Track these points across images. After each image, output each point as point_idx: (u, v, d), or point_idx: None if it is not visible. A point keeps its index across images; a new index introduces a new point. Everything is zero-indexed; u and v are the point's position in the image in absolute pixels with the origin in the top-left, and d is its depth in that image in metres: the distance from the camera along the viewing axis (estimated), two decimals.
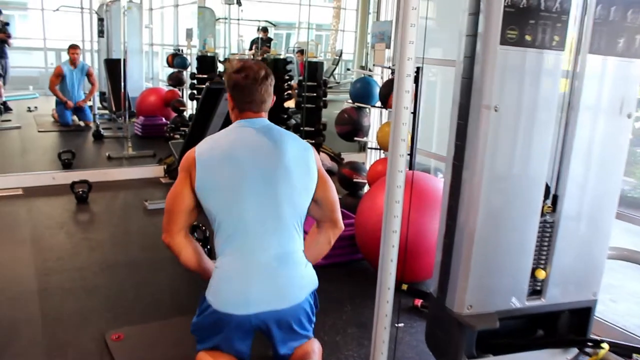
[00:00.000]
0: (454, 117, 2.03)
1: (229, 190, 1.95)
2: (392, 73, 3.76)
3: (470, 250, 2.02)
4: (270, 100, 2.09)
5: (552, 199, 2.10)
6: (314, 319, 2.06)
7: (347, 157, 6.00)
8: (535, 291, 2.14)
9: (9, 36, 8.61)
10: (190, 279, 2.89)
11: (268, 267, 1.94)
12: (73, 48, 7.38)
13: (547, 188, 2.07)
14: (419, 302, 3.03)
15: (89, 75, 7.57)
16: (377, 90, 3.86)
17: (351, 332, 2.74)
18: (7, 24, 8.79)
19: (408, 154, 3.73)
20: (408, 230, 2.15)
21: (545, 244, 2.11)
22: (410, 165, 3.71)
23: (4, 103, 8.24)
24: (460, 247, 2.06)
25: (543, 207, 2.05)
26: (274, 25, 10.93)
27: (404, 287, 3.21)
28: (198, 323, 1.97)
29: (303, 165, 2.03)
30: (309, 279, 2.02)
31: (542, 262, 2.12)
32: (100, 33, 8.76)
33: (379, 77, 4.20)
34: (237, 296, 1.92)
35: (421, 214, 3.06)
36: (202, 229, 3.20)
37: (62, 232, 3.87)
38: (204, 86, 3.83)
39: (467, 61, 1.89)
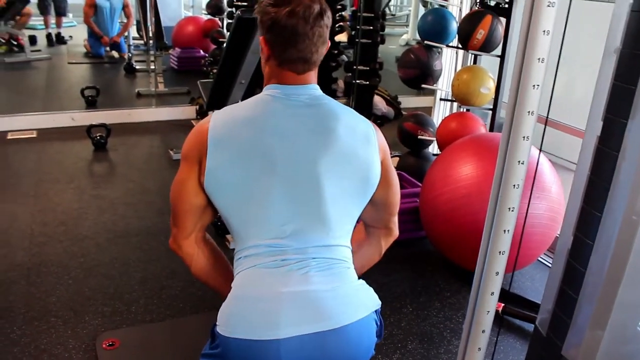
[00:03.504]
0: (605, 74, 1.26)
1: (250, 191, 1.30)
2: (478, 3, 2.91)
3: (618, 283, 1.30)
4: (325, 49, 1.36)
5: None
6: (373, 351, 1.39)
7: (406, 101, 5.20)
8: None
9: None
10: None
11: (303, 281, 1.28)
12: None
13: None
14: (500, 306, 2.34)
15: (124, 6, 6.97)
16: (453, 26, 3.03)
17: (412, 348, 2.09)
18: None
19: (490, 109, 2.94)
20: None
21: None
22: (492, 126, 2.93)
23: (58, 34, 7.85)
24: (598, 275, 1.34)
25: None
26: None
27: None
28: None
29: (362, 156, 1.35)
30: (366, 295, 1.35)
31: None
32: None
33: (457, 8, 3.33)
34: (262, 318, 1.27)
35: None
36: None
37: (70, 187, 3.31)
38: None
39: None
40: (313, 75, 1.38)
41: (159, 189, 3.37)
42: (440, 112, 3.40)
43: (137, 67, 6.20)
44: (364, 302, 1.32)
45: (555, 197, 2.39)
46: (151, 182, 3.47)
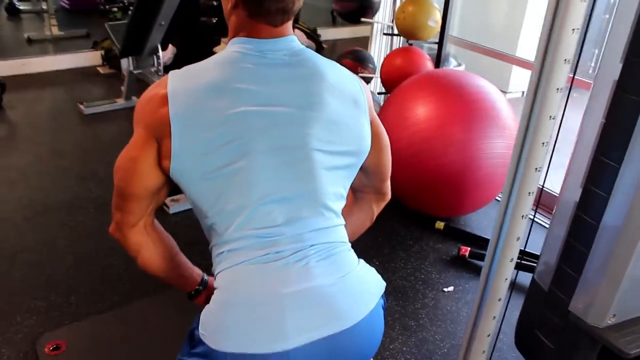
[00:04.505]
0: (624, 16, 1.12)
1: (229, 174, 1.06)
2: None
3: (637, 236, 1.22)
4: None
5: None
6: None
7: (324, 33, 4.95)
8: None
9: None
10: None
11: (304, 276, 1.08)
12: None
13: None
14: (466, 250, 2.28)
15: None
16: None
17: (388, 307, 1.99)
18: None
19: (436, 43, 2.79)
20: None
21: None
22: (438, 61, 2.78)
23: None
24: (614, 229, 1.25)
25: None
26: None
27: (440, 225, 2.45)
28: None
29: (352, 123, 1.15)
30: (371, 279, 1.18)
31: None
32: None
33: None
34: (263, 326, 1.06)
35: (467, 132, 2.21)
36: None
37: None
38: None
39: None
40: (290, 24, 1.13)
41: (74, 150, 2.97)
42: (377, 47, 3.20)
43: (21, 7, 5.43)
44: (371, 289, 1.15)
45: (512, 133, 2.31)
46: (64, 144, 3.05)
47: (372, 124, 1.19)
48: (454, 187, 2.27)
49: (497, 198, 2.64)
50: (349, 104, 1.14)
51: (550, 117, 1.02)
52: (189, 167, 1.05)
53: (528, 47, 4.21)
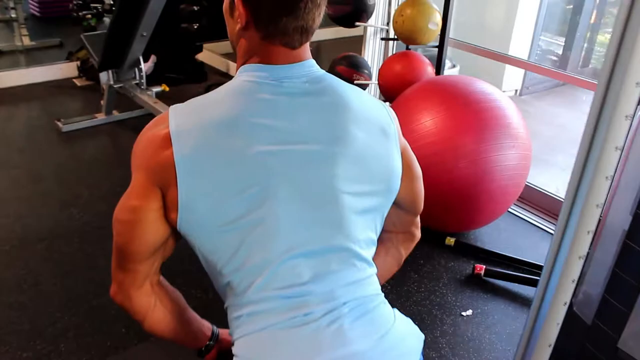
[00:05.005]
0: None
1: (247, 226, 0.92)
2: None
3: None
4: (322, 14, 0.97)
5: None
6: None
7: None
8: None
9: None
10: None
11: (339, 341, 0.94)
12: None
13: None
14: (481, 269, 2.15)
15: None
16: None
17: None
18: None
19: (435, 46, 2.65)
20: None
21: None
22: (439, 66, 2.65)
23: None
24: None
25: None
26: None
27: (450, 241, 2.32)
28: None
29: (382, 156, 1.01)
30: (410, 333, 1.05)
31: None
32: None
33: None
34: None
35: (479, 144, 2.08)
36: None
37: None
38: None
39: None
40: (308, 46, 0.98)
41: (53, 172, 2.77)
42: (371, 52, 3.06)
43: None
44: (411, 345, 1.01)
45: (525, 142, 2.19)
46: (41, 165, 2.85)
47: (403, 155, 1.06)
48: (466, 202, 2.14)
49: (509, 210, 2.52)
50: (377, 133, 1.00)
51: (616, 147, 0.89)
52: (200, 220, 0.90)
53: (519, 45, 4.15)
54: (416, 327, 1.05)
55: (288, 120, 0.92)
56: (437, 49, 2.62)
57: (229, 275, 0.93)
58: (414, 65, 2.59)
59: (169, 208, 0.91)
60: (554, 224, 2.47)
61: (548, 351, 1.17)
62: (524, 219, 2.53)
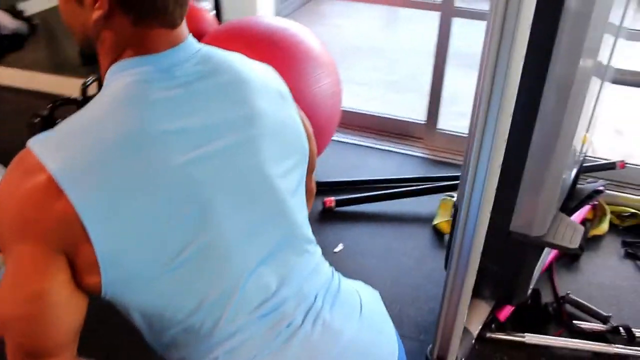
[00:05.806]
0: None
1: (195, 255, 0.73)
2: None
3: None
4: None
5: None
6: None
7: (29, 6, 4.11)
8: None
9: None
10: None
11: (329, 337, 0.86)
12: None
13: None
14: (331, 202, 2.17)
15: None
16: None
17: None
18: None
19: None
20: None
21: None
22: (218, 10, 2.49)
23: None
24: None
25: None
26: None
27: None
28: None
29: (287, 122, 0.89)
30: (369, 294, 1.01)
31: None
32: None
33: None
34: None
35: (298, 82, 2.04)
36: None
37: None
38: None
39: None
40: (186, 27, 0.79)
41: None
42: None
43: None
44: (380, 308, 0.98)
45: (332, 68, 2.20)
46: None
47: (299, 114, 0.96)
48: None
49: (333, 138, 2.55)
50: (278, 101, 0.89)
51: None
52: (133, 271, 0.70)
53: None
54: (368, 286, 1.00)
55: (193, 116, 0.74)
56: None
57: (185, 320, 0.74)
58: (193, 15, 2.37)
59: (82, 273, 0.68)
60: (373, 138, 2.60)
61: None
62: (344, 142, 2.60)
